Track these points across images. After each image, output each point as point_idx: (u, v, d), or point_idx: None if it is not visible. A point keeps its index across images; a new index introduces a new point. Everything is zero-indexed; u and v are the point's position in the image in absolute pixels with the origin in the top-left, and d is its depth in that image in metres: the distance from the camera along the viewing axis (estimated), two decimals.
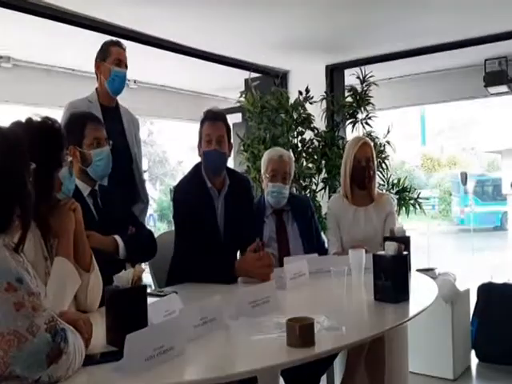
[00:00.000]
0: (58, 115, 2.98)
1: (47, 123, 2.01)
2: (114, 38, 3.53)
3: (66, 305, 1.96)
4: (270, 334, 1.80)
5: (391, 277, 2.24)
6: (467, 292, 4.45)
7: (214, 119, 2.98)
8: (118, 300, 1.76)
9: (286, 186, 3.30)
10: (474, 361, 4.46)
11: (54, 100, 5.86)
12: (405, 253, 2.32)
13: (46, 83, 5.84)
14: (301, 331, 1.68)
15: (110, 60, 3.33)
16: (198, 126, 3.07)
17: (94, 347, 1.67)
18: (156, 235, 3.34)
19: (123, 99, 3.52)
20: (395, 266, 2.26)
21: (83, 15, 4.15)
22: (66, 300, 1.97)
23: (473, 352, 4.48)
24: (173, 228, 3.09)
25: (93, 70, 3.43)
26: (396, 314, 2.20)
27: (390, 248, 2.29)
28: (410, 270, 2.62)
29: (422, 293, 2.54)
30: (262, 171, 3.40)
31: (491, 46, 5.27)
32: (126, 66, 3.39)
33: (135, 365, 1.51)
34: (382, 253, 2.33)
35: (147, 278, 3.09)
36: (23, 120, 1.96)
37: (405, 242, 2.60)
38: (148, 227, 3.42)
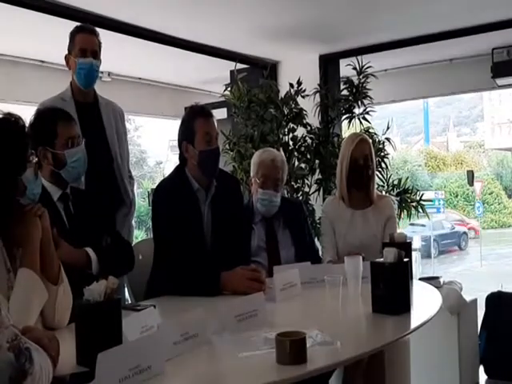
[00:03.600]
0: (24, 111, 2.95)
1: (10, 120, 1.99)
2: (81, 24, 3.45)
3: (32, 321, 1.94)
4: (257, 351, 1.79)
5: (391, 286, 2.24)
6: (474, 302, 4.45)
7: (209, 115, 2.96)
8: (89, 315, 1.75)
9: (278, 194, 3.30)
10: (483, 377, 4.47)
11: (20, 95, 5.84)
12: (405, 260, 2.32)
13: (11, 76, 5.80)
14: (292, 347, 1.67)
15: (75, 51, 3.27)
16: (177, 122, 3.04)
17: (62, 368, 1.65)
18: (133, 244, 3.33)
19: None
20: (395, 275, 2.26)
21: (53, 1, 4.13)
22: (31, 316, 1.95)
23: (481, 368, 4.49)
24: (151, 236, 3.07)
25: (63, 61, 3.39)
26: (396, 327, 2.21)
27: (390, 255, 2.29)
28: (411, 278, 2.62)
29: (424, 303, 2.55)
30: (252, 174, 3.39)
31: (499, 33, 5.31)
32: (95, 54, 3.30)
33: None
34: (381, 260, 2.34)
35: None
36: None
37: (406, 248, 2.60)
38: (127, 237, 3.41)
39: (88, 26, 3.37)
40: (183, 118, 3.05)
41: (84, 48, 3.27)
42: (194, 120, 2.94)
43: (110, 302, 1.78)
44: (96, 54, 3.32)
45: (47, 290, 2.05)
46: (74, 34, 3.31)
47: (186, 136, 2.97)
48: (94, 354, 1.50)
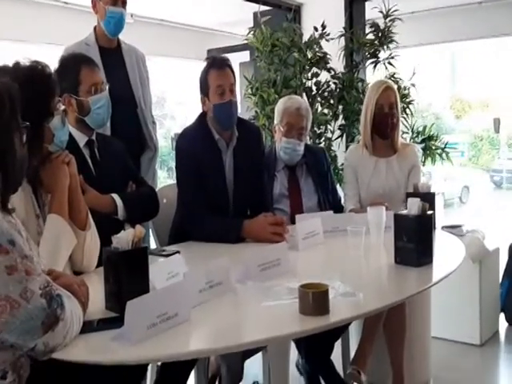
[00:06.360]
0: (47, 52, 2.94)
1: (37, 68, 2.00)
2: None
3: (61, 266, 2.00)
4: (281, 301, 1.82)
5: (414, 238, 2.23)
6: (497, 251, 4.46)
7: (221, 66, 2.91)
8: (117, 263, 1.79)
9: (302, 143, 3.28)
10: (503, 325, 4.51)
11: (43, 36, 5.84)
12: (429, 212, 2.32)
13: (35, 18, 5.77)
14: (314, 299, 1.70)
15: None
16: (200, 64, 3.02)
17: (91, 313, 1.71)
18: (157, 187, 3.37)
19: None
20: (419, 227, 2.25)
21: None
22: (60, 261, 2.00)
23: (502, 315, 4.53)
24: (174, 177, 3.09)
25: (89, 3, 3.36)
26: (419, 279, 2.22)
27: (413, 207, 2.28)
28: (434, 229, 2.62)
29: (447, 254, 2.54)
30: (276, 121, 3.38)
31: None
32: (124, 3, 3.30)
33: (137, 333, 1.54)
34: (405, 212, 2.32)
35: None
36: (10, 65, 1.96)
37: (430, 199, 2.59)
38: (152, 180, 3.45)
39: None
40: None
41: None
42: (208, 73, 2.92)
43: (138, 250, 1.82)
44: (125, 2, 3.31)
45: (75, 235, 2.10)
46: None
47: (202, 89, 2.96)
48: (123, 301, 1.55)
